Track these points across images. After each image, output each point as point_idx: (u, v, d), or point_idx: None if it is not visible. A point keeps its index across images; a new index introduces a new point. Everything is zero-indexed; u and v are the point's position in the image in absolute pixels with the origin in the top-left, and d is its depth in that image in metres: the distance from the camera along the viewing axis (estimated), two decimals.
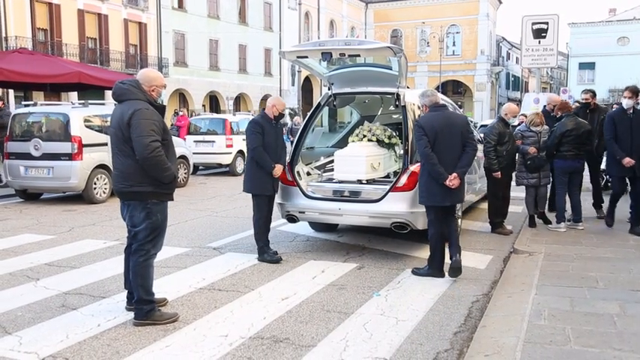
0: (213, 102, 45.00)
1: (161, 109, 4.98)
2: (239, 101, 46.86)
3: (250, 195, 7.23)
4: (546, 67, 20.82)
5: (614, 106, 11.88)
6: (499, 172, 8.26)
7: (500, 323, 4.77)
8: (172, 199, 5.08)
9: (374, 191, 7.45)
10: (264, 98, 48.93)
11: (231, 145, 17.79)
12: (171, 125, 33.63)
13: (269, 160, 6.94)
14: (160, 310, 5.04)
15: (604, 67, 53.81)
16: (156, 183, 4.83)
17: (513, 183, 8.86)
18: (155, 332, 4.75)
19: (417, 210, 6.97)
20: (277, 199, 7.82)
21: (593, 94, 9.19)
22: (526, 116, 8.99)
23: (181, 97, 41.93)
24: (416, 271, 6.53)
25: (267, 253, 7.10)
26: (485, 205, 9.43)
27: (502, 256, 7.35)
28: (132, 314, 5.00)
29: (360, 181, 7.56)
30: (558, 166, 8.47)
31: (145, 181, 4.80)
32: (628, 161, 7.79)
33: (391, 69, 7.75)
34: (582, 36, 55.53)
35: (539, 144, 8.48)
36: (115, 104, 5.03)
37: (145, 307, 4.91)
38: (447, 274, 6.26)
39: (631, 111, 7.89)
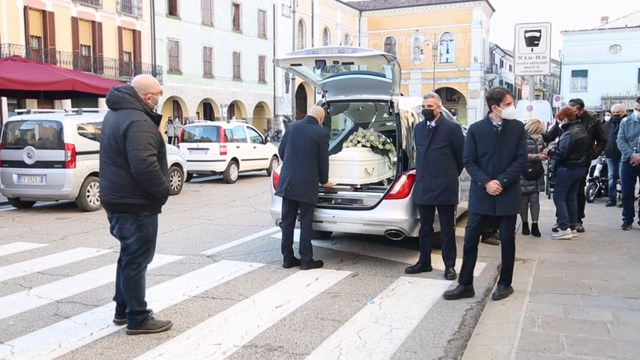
0: (207, 109, 45.00)
1: (157, 119, 4.85)
2: (233, 108, 46.88)
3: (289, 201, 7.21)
4: (539, 75, 20.91)
5: (606, 113, 11.91)
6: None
7: (494, 331, 4.77)
8: (160, 212, 5.00)
9: (368, 198, 7.46)
10: (259, 105, 49.05)
11: (225, 153, 17.76)
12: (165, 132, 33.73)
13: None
14: (153, 319, 4.99)
15: (596, 75, 54.11)
16: (148, 195, 4.73)
17: None
18: (148, 341, 4.73)
19: (411, 217, 6.99)
20: (271, 207, 7.83)
21: (581, 105, 9.16)
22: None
23: (175, 104, 41.93)
24: (410, 270, 6.87)
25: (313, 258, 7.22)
26: None
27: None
28: (121, 327, 4.96)
29: (355, 189, 7.56)
30: (566, 175, 8.42)
31: (138, 193, 4.68)
32: (495, 189, 5.59)
33: (385, 76, 7.78)
34: (575, 44, 55.84)
35: (537, 151, 8.49)
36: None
37: (138, 317, 4.86)
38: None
39: (499, 122, 5.68)
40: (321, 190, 7.52)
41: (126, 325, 4.94)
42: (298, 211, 7.18)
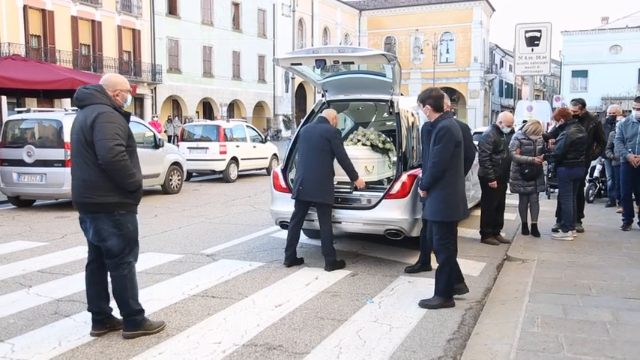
0: (207, 108, 45.01)
1: (126, 116, 4.73)
2: (233, 108, 46.89)
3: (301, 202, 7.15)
4: (539, 75, 20.92)
5: (606, 113, 11.90)
6: (495, 182, 8.23)
7: (493, 331, 4.77)
8: (136, 211, 4.85)
9: (368, 198, 7.46)
10: (258, 105, 49.07)
11: (224, 152, 17.77)
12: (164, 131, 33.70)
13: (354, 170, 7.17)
14: (148, 320, 4.90)
15: (596, 75, 54.12)
16: (122, 192, 4.59)
17: (508, 191, 8.87)
18: (148, 339, 4.72)
19: (410, 217, 6.98)
20: (271, 206, 7.83)
21: (583, 104, 9.16)
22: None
23: (175, 103, 41.94)
24: (409, 269, 6.88)
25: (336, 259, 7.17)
26: (477, 212, 9.44)
27: (495, 264, 7.36)
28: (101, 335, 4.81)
29: (355, 188, 7.56)
30: (565, 174, 8.43)
31: (112, 191, 4.55)
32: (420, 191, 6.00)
33: (385, 76, 7.77)
34: (575, 44, 55.86)
35: (535, 152, 8.50)
36: (77, 110, 4.73)
37: (137, 318, 4.78)
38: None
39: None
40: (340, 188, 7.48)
41: (102, 331, 4.81)
42: (309, 212, 7.18)
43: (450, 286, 5.66)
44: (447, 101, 6.80)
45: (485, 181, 8.35)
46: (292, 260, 7.16)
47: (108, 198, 4.56)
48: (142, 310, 4.86)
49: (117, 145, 4.45)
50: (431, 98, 5.71)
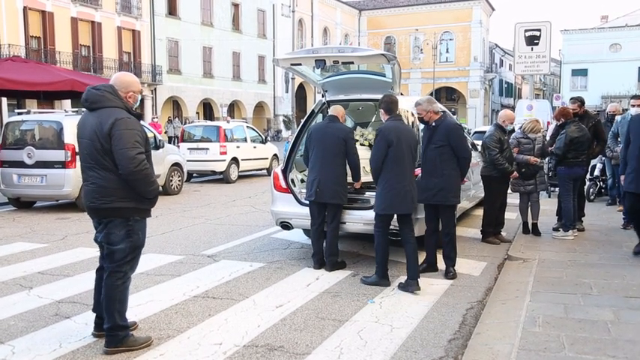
0: (207, 109, 45.01)
1: (137, 118, 4.53)
2: (233, 108, 46.89)
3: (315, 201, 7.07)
4: (539, 74, 20.93)
5: (607, 112, 11.90)
6: (515, 172, 8.31)
7: (494, 330, 4.77)
8: (150, 216, 4.70)
9: (368, 198, 7.45)
10: (258, 105, 49.07)
11: (225, 153, 17.77)
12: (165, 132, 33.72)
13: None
14: (133, 335, 4.63)
15: (596, 74, 54.07)
16: (138, 198, 4.43)
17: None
18: None
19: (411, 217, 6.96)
20: (271, 207, 7.83)
21: (581, 102, 9.14)
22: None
23: (175, 104, 41.93)
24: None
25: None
26: (478, 212, 9.44)
27: (496, 263, 7.35)
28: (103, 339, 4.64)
29: (354, 188, 7.55)
30: (564, 174, 8.42)
31: (128, 196, 4.38)
32: None
33: (385, 76, 7.76)
34: (575, 43, 55.81)
35: (534, 151, 8.48)
36: (84, 111, 4.52)
37: (120, 334, 4.50)
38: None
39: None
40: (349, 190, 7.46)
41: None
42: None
43: (382, 267, 6.36)
44: (434, 107, 6.83)
45: (489, 181, 8.36)
46: (322, 263, 7.06)
47: (124, 203, 4.40)
48: (127, 327, 4.61)
49: (138, 154, 4.29)
50: (383, 103, 6.47)
